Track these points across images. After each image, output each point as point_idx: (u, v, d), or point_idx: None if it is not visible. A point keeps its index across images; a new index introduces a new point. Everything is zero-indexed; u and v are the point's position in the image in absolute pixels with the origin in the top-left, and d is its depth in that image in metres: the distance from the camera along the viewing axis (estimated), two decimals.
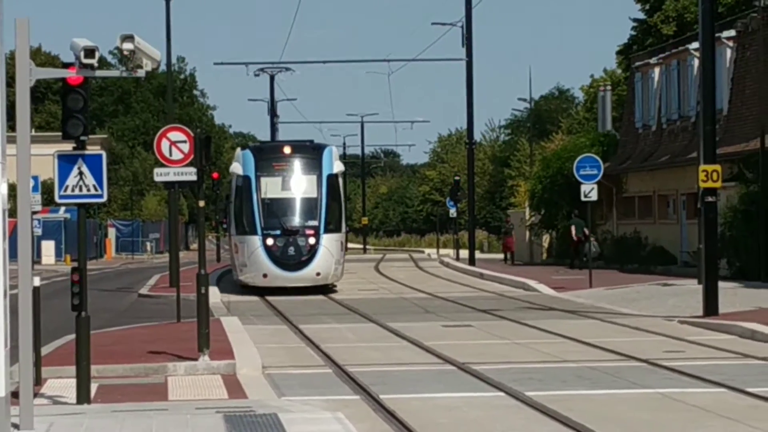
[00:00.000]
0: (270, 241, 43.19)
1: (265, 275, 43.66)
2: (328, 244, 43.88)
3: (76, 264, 22.88)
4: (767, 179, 55.04)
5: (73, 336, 23.90)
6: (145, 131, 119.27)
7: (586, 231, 74.31)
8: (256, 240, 43.63)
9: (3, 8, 15.07)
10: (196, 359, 27.82)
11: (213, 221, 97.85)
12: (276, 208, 44.02)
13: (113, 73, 19.39)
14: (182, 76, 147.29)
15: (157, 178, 36.29)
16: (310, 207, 44.28)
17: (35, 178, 18.16)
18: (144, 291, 59.28)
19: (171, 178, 34.77)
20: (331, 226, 44.58)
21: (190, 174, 32.76)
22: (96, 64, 20.36)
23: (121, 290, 60.33)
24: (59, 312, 30.66)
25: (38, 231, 65.42)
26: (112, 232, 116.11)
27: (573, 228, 75.48)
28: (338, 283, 55.73)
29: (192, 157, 32.40)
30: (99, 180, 21.63)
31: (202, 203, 31.05)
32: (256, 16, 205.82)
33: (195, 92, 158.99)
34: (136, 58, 20.66)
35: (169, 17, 60.52)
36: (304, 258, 43.54)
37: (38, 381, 21.17)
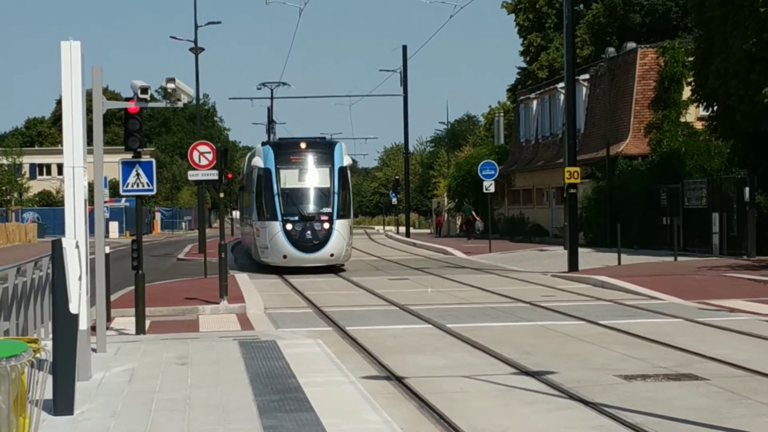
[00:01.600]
0: (289, 226, 38.09)
1: (285, 256, 38.48)
2: (340, 228, 38.91)
3: (134, 237, 23.23)
4: (611, 177, 55.42)
5: (132, 287, 24.14)
6: (180, 146, 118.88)
7: (474, 214, 75.73)
8: (276, 225, 38.47)
9: (83, 61, 14.97)
10: (218, 303, 28.01)
11: (228, 208, 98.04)
12: (294, 197, 38.90)
13: (160, 104, 19.23)
14: (206, 107, 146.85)
15: (190, 178, 37.39)
16: (324, 196, 39.33)
17: (105, 178, 18.16)
18: (181, 256, 59.28)
19: (200, 177, 35.32)
20: (342, 213, 39.62)
21: (213, 175, 33.38)
22: (148, 98, 20.38)
23: (165, 256, 60.20)
24: (123, 271, 30.67)
25: (107, 215, 65.45)
26: (158, 216, 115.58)
27: (463, 212, 77.79)
28: None
29: (214, 163, 33.07)
30: (150, 179, 22.13)
31: (221, 195, 33.86)
32: (260, 57, 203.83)
33: (215, 118, 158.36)
34: (176, 94, 20.67)
35: (197, 66, 60.59)
36: (319, 241, 38.56)
37: (109, 318, 20.96)
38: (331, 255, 38.73)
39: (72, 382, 13.20)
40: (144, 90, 20.08)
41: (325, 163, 39.81)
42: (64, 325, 13.34)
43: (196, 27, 61.73)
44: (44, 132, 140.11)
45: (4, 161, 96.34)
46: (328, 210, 38.53)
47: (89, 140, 16.64)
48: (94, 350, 16.93)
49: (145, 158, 22.53)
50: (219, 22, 71.05)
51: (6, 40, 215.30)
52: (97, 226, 18.62)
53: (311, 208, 38.67)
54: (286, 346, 19.02)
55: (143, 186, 22.07)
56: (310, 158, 40.06)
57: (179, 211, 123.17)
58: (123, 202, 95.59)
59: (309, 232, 38.08)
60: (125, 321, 23.55)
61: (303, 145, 40.31)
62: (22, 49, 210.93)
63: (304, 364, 16.93)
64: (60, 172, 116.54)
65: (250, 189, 44.04)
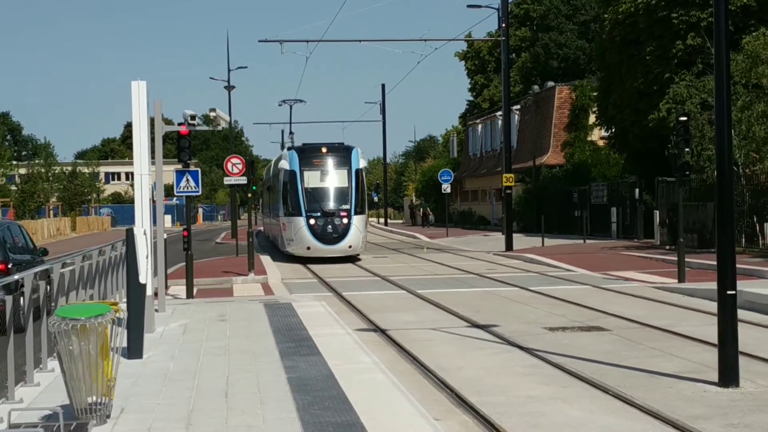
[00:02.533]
0: (312, 221, 34.15)
1: (308, 248, 34.52)
2: (357, 223, 34.85)
3: (184, 227, 23.19)
4: (536, 181, 55.72)
5: (183, 263, 24.03)
6: (217, 159, 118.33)
7: (428, 210, 76.51)
8: (301, 220, 34.39)
9: (148, 95, 15.03)
10: (247, 275, 27.88)
11: (253, 204, 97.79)
12: (317, 195, 34.79)
13: (204, 128, 19.50)
14: (236, 130, 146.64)
15: (226, 182, 37.12)
16: (343, 194, 35.04)
17: (160, 184, 18.27)
18: (218, 240, 59.00)
19: (232, 182, 35.20)
20: (359, 209, 35.37)
21: (242, 180, 33.55)
22: (195, 124, 20.43)
23: (206, 240, 59.96)
24: (176, 251, 30.58)
25: (163, 209, 65.22)
26: (200, 210, 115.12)
27: (422, 208, 78.53)
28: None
29: (243, 171, 33.03)
30: (196, 183, 22.13)
31: (250, 195, 35.01)
32: (277, 90, 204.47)
33: (243, 138, 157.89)
34: (216, 120, 20.73)
35: (230, 100, 60.88)
36: (339, 234, 34.45)
37: (166, 287, 20.65)
38: (350, 246, 34.65)
39: (141, 334, 13.37)
40: (192, 117, 20.10)
41: (344, 165, 35.57)
42: (135, 291, 13.53)
43: (229, 71, 61.62)
44: (115, 148, 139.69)
45: (86, 170, 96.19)
46: (347, 207, 34.42)
47: (153, 155, 16.71)
48: (156, 310, 16.98)
49: (192, 168, 22.60)
50: (246, 67, 72.14)
51: (84, 74, 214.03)
52: (158, 218, 18.63)
53: (332, 205, 34.55)
54: (298, 307, 19.11)
55: (191, 188, 22.12)
56: (331, 161, 35.81)
57: (216, 207, 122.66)
58: (174, 201, 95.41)
59: (330, 226, 34.02)
60: (178, 289, 23.53)
61: (324, 150, 36.04)
62: (97, 82, 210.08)
63: (312, 320, 17.00)
64: (128, 178, 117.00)
65: (276, 188, 39.14)
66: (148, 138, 15.24)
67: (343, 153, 36.54)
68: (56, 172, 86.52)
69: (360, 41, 46.16)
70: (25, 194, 74.00)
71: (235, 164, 33.80)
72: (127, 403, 10.25)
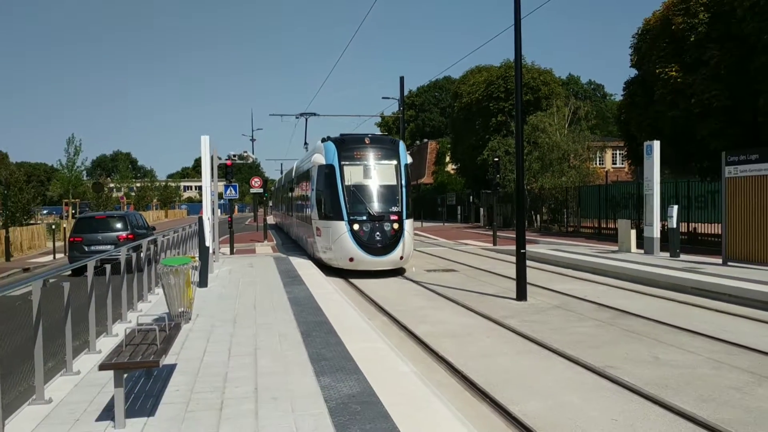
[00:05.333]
0: (356, 226, 15.99)
1: (351, 259, 15.89)
2: (409, 228, 16.57)
3: (228, 215, 22.49)
4: (418, 192, 54.46)
5: (228, 235, 23.06)
6: (246, 178, 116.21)
7: None
8: (342, 225, 16.07)
9: (210, 143, 15.20)
10: (262, 242, 27.19)
11: (266, 205, 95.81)
12: (361, 195, 16.37)
13: (240, 161, 18.99)
14: (256, 162, 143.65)
15: (251, 191, 35.42)
16: (392, 194, 16.58)
17: (215, 192, 18.07)
18: (246, 223, 56.50)
19: (255, 191, 33.54)
20: (409, 212, 16.68)
21: (260, 191, 31.97)
22: (235, 159, 20.36)
23: (239, 223, 58.12)
24: (223, 229, 29.73)
25: (217, 206, 63.75)
26: (236, 207, 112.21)
27: None
28: None
29: (261, 185, 32.11)
30: (235, 191, 21.50)
31: (264, 198, 32.39)
32: (284, 133, 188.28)
33: (260, 167, 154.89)
34: (246, 157, 20.60)
35: (253, 147, 59.87)
36: (389, 242, 15.99)
37: (219, 248, 18.91)
38: (401, 258, 16.95)
39: (206, 274, 13.05)
40: (232, 155, 20.12)
41: (391, 159, 18.04)
42: (203, 250, 13.25)
43: (252, 131, 61.21)
44: (189, 172, 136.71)
45: (172, 184, 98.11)
46: (397, 209, 17.10)
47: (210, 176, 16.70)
48: (214, 261, 16.48)
49: (233, 183, 22.37)
50: (261, 129, 71.95)
51: (164, 125, 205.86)
52: (214, 210, 18.47)
53: (380, 206, 17.15)
54: (292, 259, 18.50)
55: (232, 194, 21.58)
56: (375, 154, 18.04)
57: (245, 205, 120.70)
58: (223, 201, 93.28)
59: (378, 233, 16.74)
60: (225, 249, 22.58)
61: (367, 140, 18.32)
62: (172, 131, 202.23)
63: (300, 267, 16.23)
64: (197, 189, 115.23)
65: (308, 187, 20.34)
66: (209, 166, 15.26)
67: (389, 145, 18.88)
68: (156, 185, 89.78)
69: (325, 115, 44.41)
70: (139, 197, 76.58)
71: (256, 182, 33.34)
72: (200, 311, 10.04)
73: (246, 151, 20.30)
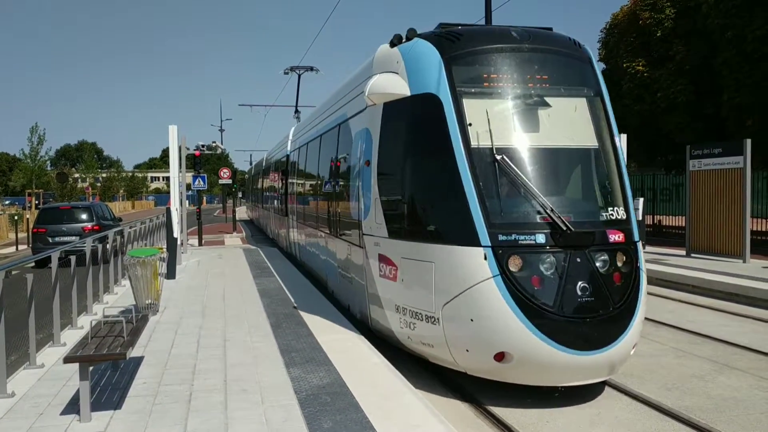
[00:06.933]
0: (518, 264, 2.79)
1: (502, 355, 3.11)
2: (643, 265, 3.16)
3: (197, 206, 22.55)
4: None
5: (196, 227, 22.85)
6: (214, 169, 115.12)
7: None
8: (472, 259, 2.74)
9: (178, 132, 14.99)
10: (231, 233, 27.25)
11: (235, 196, 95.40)
12: (522, 179, 2.87)
13: (208, 152, 18.76)
14: (225, 153, 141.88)
15: (220, 182, 35.06)
16: (602, 175, 3.10)
17: (183, 183, 17.96)
18: (215, 215, 56.02)
19: (224, 182, 33.29)
20: (639, 221, 4.34)
21: (229, 181, 32.06)
22: (203, 149, 20.22)
23: (207, 214, 57.29)
24: (191, 220, 29.64)
25: (185, 197, 62.76)
26: (205, 198, 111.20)
27: None
28: None
29: (230, 176, 31.94)
30: (204, 182, 21.49)
31: (233, 189, 31.80)
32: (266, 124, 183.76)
33: (229, 158, 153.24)
34: (215, 148, 20.47)
35: (222, 137, 59.42)
36: (610, 309, 2.77)
37: (186, 240, 19.32)
38: (630, 349, 3.84)
39: (174, 265, 13.05)
40: (202, 146, 19.97)
41: (581, 84, 3.68)
42: (171, 241, 13.22)
43: (221, 122, 60.60)
44: (157, 163, 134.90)
45: (139, 175, 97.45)
46: (620, 215, 3.50)
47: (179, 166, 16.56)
48: (182, 252, 16.71)
49: (201, 173, 22.24)
50: (231, 119, 71.68)
51: (130, 115, 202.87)
52: (181, 202, 18.39)
53: (575, 209, 3.32)
54: (262, 250, 18.48)
55: (201, 185, 21.51)
56: (543, 73, 3.45)
57: (213, 196, 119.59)
58: (190, 192, 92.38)
59: (582, 282, 3.15)
60: (193, 240, 22.82)
61: (515, 35, 3.66)
62: (138, 121, 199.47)
63: (270, 258, 16.23)
64: (165, 180, 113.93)
65: (341, 162, 6.75)
66: (177, 157, 15.15)
67: (574, 51, 4.71)
68: (122, 176, 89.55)
69: (297, 108, 43.46)
70: (105, 188, 75.88)
71: (225, 173, 33.14)
72: (168, 303, 10.02)
73: (215, 142, 20.12)
